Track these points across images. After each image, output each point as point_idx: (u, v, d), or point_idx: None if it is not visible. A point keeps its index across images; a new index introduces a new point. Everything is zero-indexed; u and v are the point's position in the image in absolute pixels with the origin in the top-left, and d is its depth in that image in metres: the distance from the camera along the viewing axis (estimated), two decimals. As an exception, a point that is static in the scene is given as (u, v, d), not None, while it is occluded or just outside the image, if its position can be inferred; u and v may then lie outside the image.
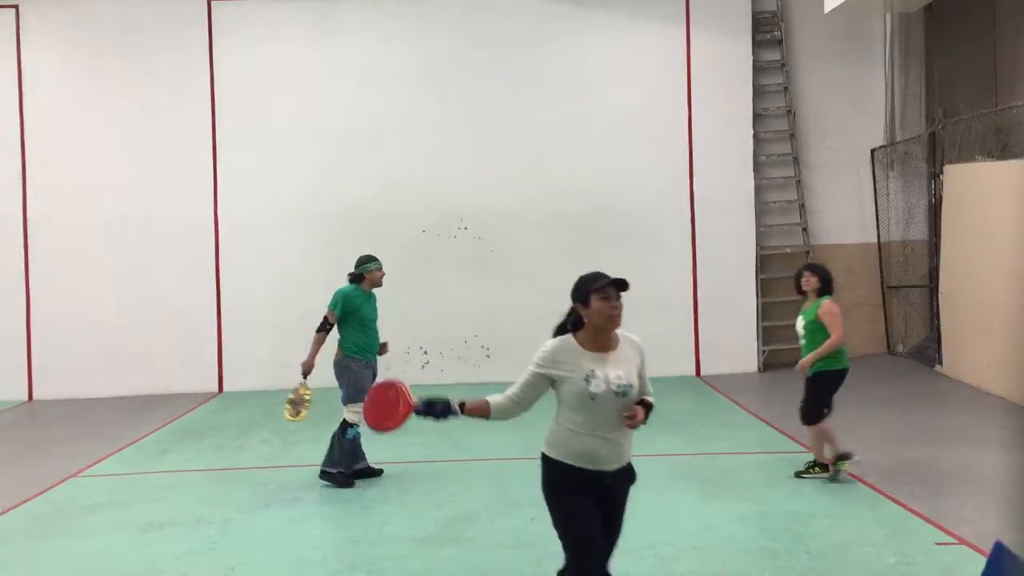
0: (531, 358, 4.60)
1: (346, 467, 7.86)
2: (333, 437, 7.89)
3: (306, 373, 7.91)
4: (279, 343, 12.89)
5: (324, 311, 8.12)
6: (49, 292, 13.02)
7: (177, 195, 13.04)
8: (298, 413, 7.84)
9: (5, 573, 6.18)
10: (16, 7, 13.12)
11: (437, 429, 10.17)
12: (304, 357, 7.92)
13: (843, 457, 7.50)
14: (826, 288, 7.49)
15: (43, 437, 10.57)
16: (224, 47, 13.11)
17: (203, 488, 8.06)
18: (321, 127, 13.07)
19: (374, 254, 8.31)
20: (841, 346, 7.42)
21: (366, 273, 8.08)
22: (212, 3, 13.10)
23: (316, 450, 9.25)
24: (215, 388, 13.04)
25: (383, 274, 8.19)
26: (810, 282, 7.53)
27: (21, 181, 13.11)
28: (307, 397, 7.85)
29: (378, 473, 8.09)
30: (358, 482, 7.95)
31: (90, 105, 13.10)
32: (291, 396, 7.92)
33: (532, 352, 4.89)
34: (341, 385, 7.97)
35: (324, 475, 7.85)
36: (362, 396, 7.83)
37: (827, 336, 7.35)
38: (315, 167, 13.05)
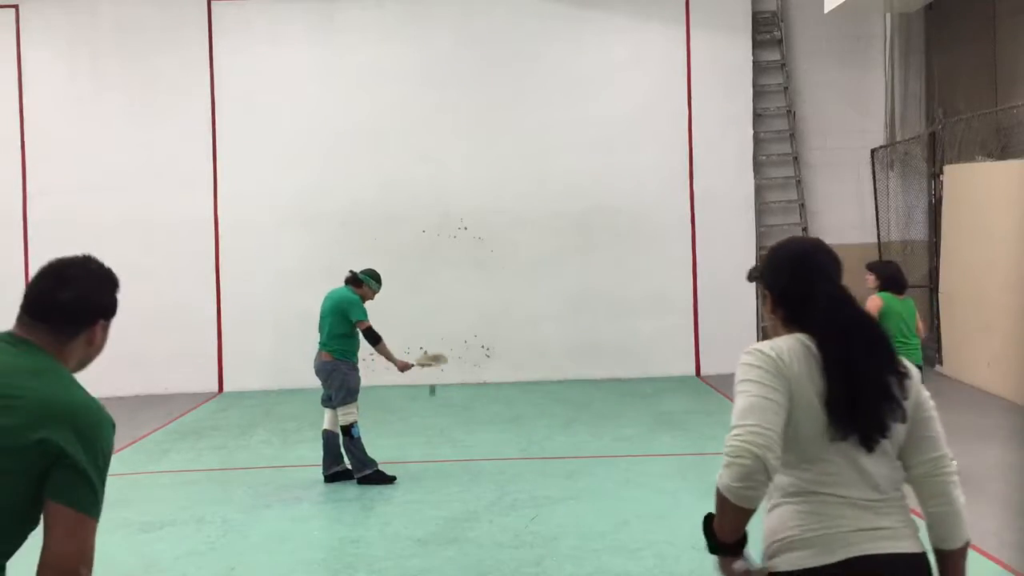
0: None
1: (370, 464, 7.88)
2: (343, 448, 7.87)
3: (408, 366, 8.15)
4: (279, 343, 12.90)
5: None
6: (49, 292, 12.99)
7: (177, 195, 13.03)
8: (440, 359, 8.17)
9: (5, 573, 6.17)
10: (16, 7, 13.11)
11: (437, 428, 10.23)
12: (395, 366, 8.11)
13: None
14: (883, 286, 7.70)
15: (43, 437, 10.55)
16: (224, 47, 13.10)
17: (203, 488, 8.06)
18: (321, 127, 13.06)
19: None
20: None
21: (368, 287, 8.12)
22: (212, 3, 13.10)
23: (316, 450, 9.24)
24: (215, 388, 13.04)
25: (375, 296, 8.28)
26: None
27: (21, 181, 13.11)
28: (435, 354, 8.16)
29: (351, 475, 8.02)
30: (336, 484, 7.94)
31: (90, 105, 13.09)
32: (424, 363, 8.15)
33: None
34: (329, 388, 7.93)
35: (363, 481, 7.84)
36: (354, 397, 7.86)
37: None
38: (315, 167, 13.05)
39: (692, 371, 12.93)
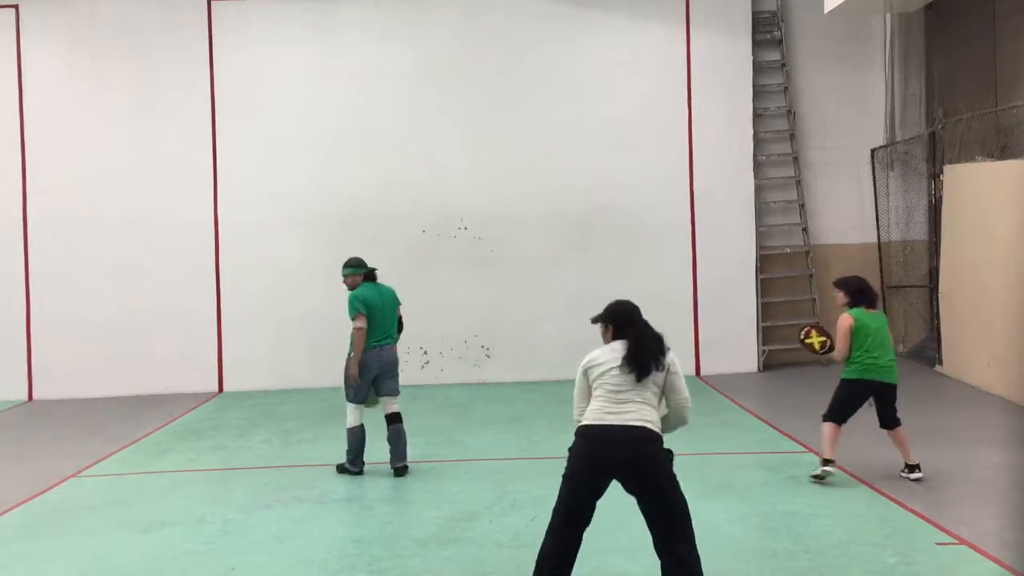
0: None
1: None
2: (402, 436, 8.16)
3: (355, 378, 8.14)
4: (279, 343, 12.92)
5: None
6: (49, 292, 13.02)
7: (177, 195, 13.04)
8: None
9: (5, 573, 6.18)
10: (16, 7, 13.12)
11: (437, 428, 10.23)
12: (351, 360, 8.08)
13: (826, 462, 7.54)
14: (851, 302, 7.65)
15: (43, 437, 10.57)
16: (224, 47, 13.10)
17: (203, 488, 8.07)
18: (321, 127, 13.07)
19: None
20: (849, 358, 7.50)
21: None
22: (212, 3, 13.10)
23: (316, 450, 9.27)
24: (215, 388, 13.04)
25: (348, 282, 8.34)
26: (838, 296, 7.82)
27: (21, 181, 13.11)
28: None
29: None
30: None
31: (90, 105, 13.10)
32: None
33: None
34: (394, 378, 8.26)
35: (402, 471, 8.16)
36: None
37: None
38: (315, 167, 13.05)
39: (692, 371, 12.93)
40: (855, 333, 7.41)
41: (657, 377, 5.08)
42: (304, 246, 12.94)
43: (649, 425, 4.99)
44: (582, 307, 12.99)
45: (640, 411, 4.99)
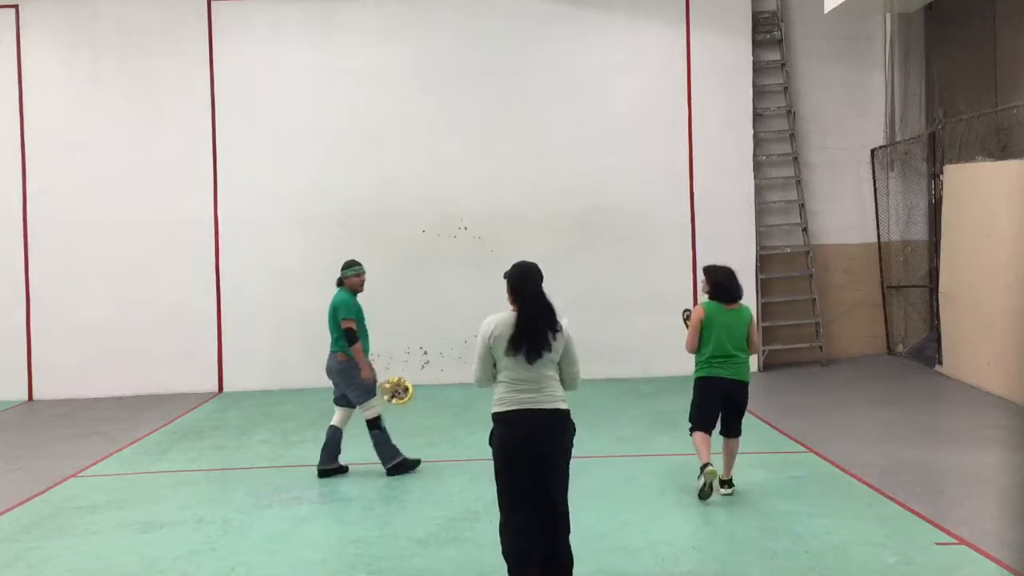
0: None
1: (395, 453, 8.17)
2: (375, 441, 8.11)
3: (371, 378, 8.14)
4: (279, 343, 12.91)
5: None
6: (49, 292, 13.02)
7: (177, 195, 13.03)
8: (405, 392, 8.27)
9: (5, 573, 6.18)
10: (16, 7, 13.12)
11: (437, 428, 10.23)
12: (364, 374, 8.10)
13: (703, 468, 7.13)
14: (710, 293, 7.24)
15: (43, 437, 10.57)
16: (224, 48, 13.10)
17: (203, 488, 8.07)
18: (321, 127, 13.07)
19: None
20: (697, 352, 7.26)
21: (345, 278, 8.31)
22: (212, 3, 13.10)
23: (316, 450, 9.23)
24: (215, 388, 13.04)
25: (362, 279, 8.35)
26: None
27: (21, 181, 13.11)
28: (401, 382, 8.31)
29: (345, 470, 8.33)
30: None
31: (90, 105, 13.10)
32: (386, 387, 8.28)
33: None
34: (350, 388, 8.12)
35: (392, 471, 8.13)
36: (373, 392, 8.10)
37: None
38: (315, 167, 13.05)
39: (691, 371, 12.91)
40: (702, 328, 7.08)
41: (555, 349, 5.13)
42: (304, 246, 12.94)
43: (561, 404, 5.17)
44: (583, 307, 13.13)
45: (549, 388, 5.16)
